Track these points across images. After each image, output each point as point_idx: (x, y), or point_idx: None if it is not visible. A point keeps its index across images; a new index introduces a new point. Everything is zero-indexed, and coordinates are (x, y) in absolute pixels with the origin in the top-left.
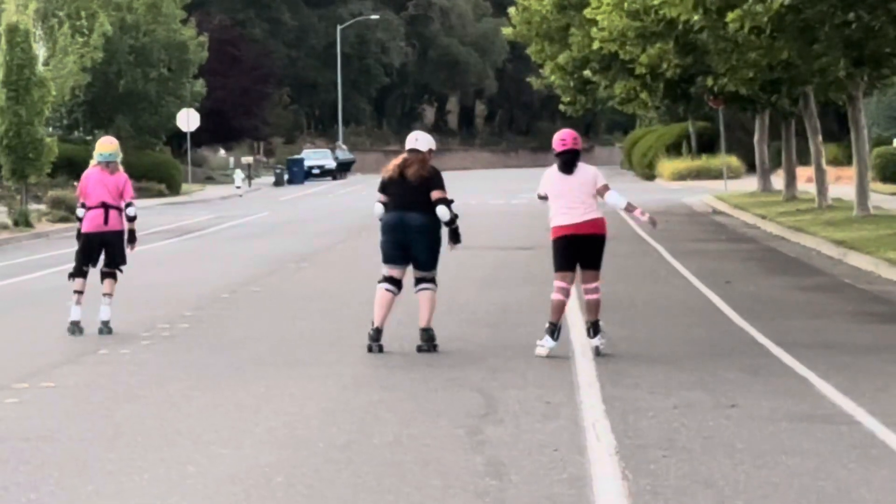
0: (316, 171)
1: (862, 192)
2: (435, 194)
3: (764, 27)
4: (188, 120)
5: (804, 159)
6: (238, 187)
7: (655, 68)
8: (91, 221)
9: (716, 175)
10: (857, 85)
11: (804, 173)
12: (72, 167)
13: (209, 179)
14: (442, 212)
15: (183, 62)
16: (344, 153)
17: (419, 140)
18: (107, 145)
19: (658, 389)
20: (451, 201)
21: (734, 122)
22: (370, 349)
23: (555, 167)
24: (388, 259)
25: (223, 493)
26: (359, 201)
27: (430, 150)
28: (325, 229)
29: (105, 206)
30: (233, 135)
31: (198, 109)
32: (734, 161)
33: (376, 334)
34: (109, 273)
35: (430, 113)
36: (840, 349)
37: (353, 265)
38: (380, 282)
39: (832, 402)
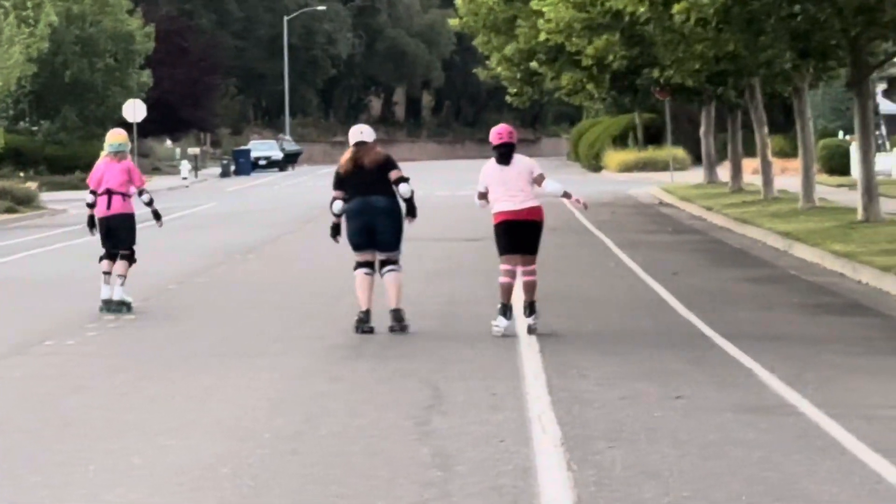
0: (262, 163)
1: (807, 183)
2: (394, 174)
3: (710, 19)
4: (135, 111)
5: (750, 151)
6: (185, 178)
7: (602, 60)
8: (98, 207)
9: (662, 167)
10: (803, 77)
11: (750, 165)
12: (18, 157)
13: (156, 170)
14: (404, 189)
15: (129, 53)
16: (290, 144)
17: (364, 132)
18: (115, 136)
19: (604, 381)
20: (408, 179)
21: (680, 114)
22: (358, 330)
23: (492, 160)
24: (357, 246)
25: (170, 483)
26: (305, 193)
27: (375, 141)
28: (272, 221)
29: (109, 193)
30: (180, 126)
31: (144, 100)
32: (680, 153)
33: (366, 316)
34: (122, 255)
35: (376, 104)
36: (785, 341)
37: (299, 257)
38: (355, 268)
39: (777, 393)
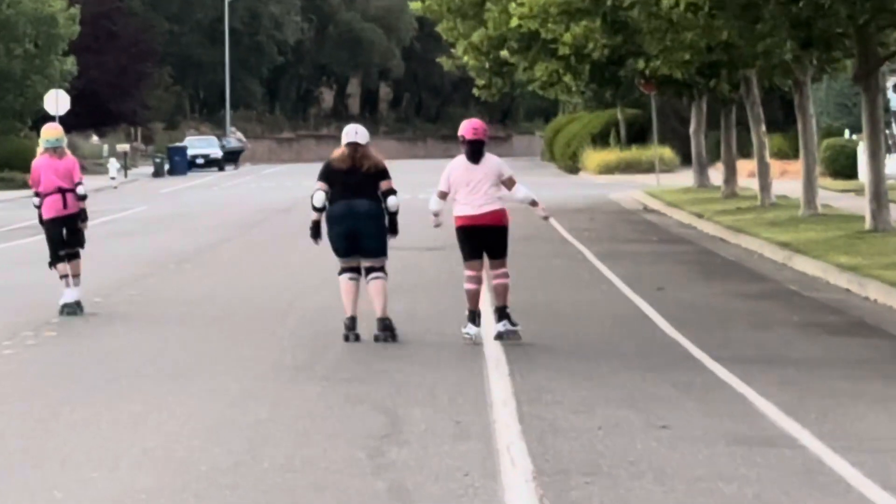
0: (200, 161)
1: (809, 188)
2: (385, 184)
3: (702, 4)
4: (57, 102)
5: (746, 151)
6: (113, 178)
7: (581, 49)
8: (51, 207)
9: (647, 168)
10: (805, 69)
11: (746, 167)
12: None
13: (80, 169)
14: (393, 202)
15: (52, 37)
16: (235, 141)
17: (359, 133)
18: (52, 131)
19: (581, 408)
20: (397, 192)
21: (668, 110)
22: (346, 338)
23: (461, 157)
24: (341, 252)
25: None
26: (249, 194)
27: (368, 144)
28: (211, 226)
29: (62, 191)
30: (107, 119)
31: (68, 90)
32: (668, 153)
33: (351, 323)
34: (73, 254)
35: (328, 96)
36: (784, 363)
37: (241, 266)
38: (340, 273)
39: (774, 422)
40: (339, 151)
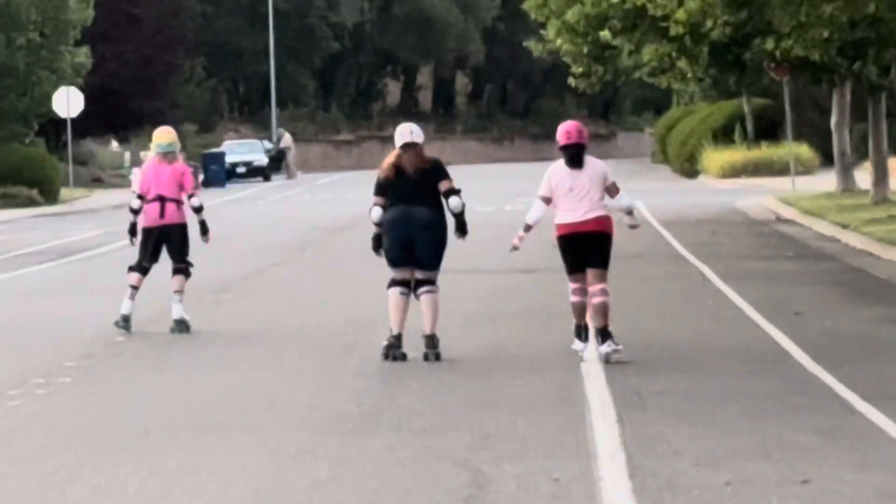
0: (241, 170)
1: None
2: (443, 185)
3: None
4: (68, 102)
5: None
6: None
7: (697, 27)
8: (148, 215)
9: (780, 170)
10: None
11: None
12: None
13: (97, 182)
14: (455, 203)
15: (61, 24)
16: (280, 141)
17: (414, 132)
18: (164, 135)
19: (704, 460)
20: (459, 191)
21: (804, 99)
22: (387, 357)
23: (560, 162)
24: (395, 262)
25: None
26: (301, 209)
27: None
28: (256, 248)
29: (161, 199)
30: (129, 121)
31: (81, 88)
32: (805, 151)
33: (396, 341)
34: (178, 269)
35: (394, 90)
36: None
37: (293, 296)
38: (389, 286)
39: None
40: (388, 158)
